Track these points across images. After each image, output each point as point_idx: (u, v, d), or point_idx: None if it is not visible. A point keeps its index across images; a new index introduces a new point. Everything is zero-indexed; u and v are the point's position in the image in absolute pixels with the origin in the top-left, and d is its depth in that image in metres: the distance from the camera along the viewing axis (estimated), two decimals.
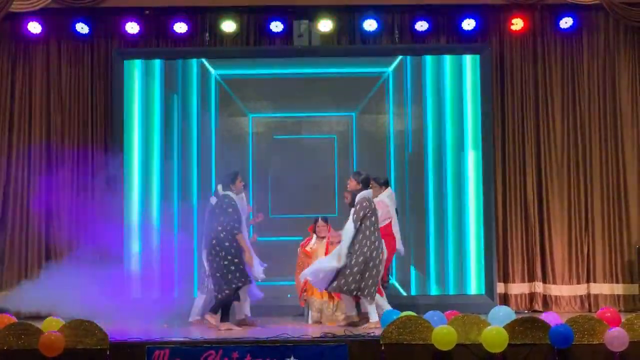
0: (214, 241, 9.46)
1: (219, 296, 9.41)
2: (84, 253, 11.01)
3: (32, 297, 10.17)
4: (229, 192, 9.62)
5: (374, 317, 9.42)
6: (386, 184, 10.46)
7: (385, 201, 10.19)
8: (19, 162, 11.82)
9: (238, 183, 9.73)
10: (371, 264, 9.42)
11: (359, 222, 9.47)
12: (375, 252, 9.47)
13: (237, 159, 11.52)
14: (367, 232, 9.48)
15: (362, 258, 9.40)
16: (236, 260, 9.42)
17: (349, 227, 9.49)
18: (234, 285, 9.40)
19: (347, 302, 9.81)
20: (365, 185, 9.71)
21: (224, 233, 9.42)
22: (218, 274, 9.42)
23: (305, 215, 10.98)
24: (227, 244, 9.41)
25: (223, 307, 9.47)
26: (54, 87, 11.97)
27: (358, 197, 9.59)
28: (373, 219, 9.56)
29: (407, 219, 11.59)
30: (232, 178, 9.72)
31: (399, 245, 10.29)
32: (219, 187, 9.75)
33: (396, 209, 10.42)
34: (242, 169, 10.66)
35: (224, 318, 9.45)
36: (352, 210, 9.58)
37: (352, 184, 9.78)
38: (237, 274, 9.41)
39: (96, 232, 11.32)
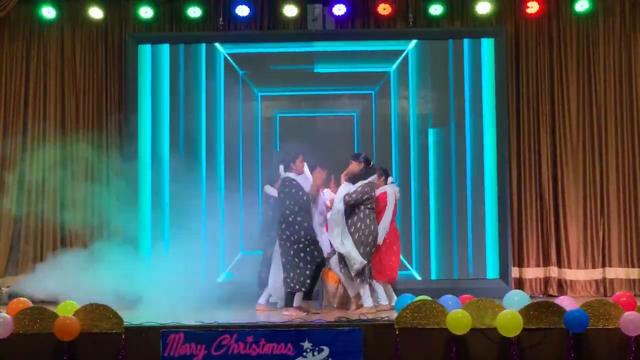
0: (283, 225, 9.33)
1: (296, 284, 9.26)
2: (100, 238, 11.12)
3: (47, 282, 10.21)
4: (288, 174, 9.44)
5: (368, 302, 9.40)
6: (385, 174, 10.20)
7: (387, 192, 10.01)
8: (34, 147, 11.84)
9: (299, 162, 9.49)
10: (368, 249, 9.38)
11: (352, 203, 9.34)
12: (370, 236, 9.41)
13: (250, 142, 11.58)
14: (362, 215, 9.41)
15: (359, 242, 9.38)
16: (308, 241, 9.30)
17: (339, 208, 9.36)
18: (310, 264, 9.27)
19: (348, 285, 9.75)
20: (367, 163, 9.56)
21: (293, 216, 9.30)
22: (295, 259, 9.27)
23: None
24: (297, 226, 9.28)
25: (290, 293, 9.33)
26: (68, 72, 12.00)
27: (361, 182, 9.47)
28: (370, 206, 9.47)
29: (418, 203, 11.67)
30: (292, 157, 9.49)
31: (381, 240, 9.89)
32: (280, 168, 9.55)
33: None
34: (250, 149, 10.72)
35: (288, 303, 9.33)
36: (347, 190, 9.45)
37: (353, 166, 9.56)
38: (312, 255, 9.31)
39: (111, 217, 11.38)
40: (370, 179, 9.54)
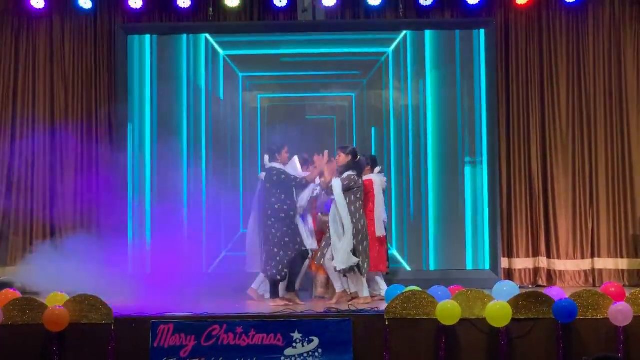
0: (269, 212, 9.35)
1: (275, 272, 9.28)
2: (89, 229, 11.10)
3: (37, 274, 10.19)
4: (274, 164, 9.48)
5: (365, 293, 9.39)
6: (373, 163, 10.20)
7: (373, 180, 9.98)
8: (22, 138, 11.79)
9: (284, 154, 9.54)
10: (360, 238, 9.35)
11: (342, 193, 9.35)
12: (363, 226, 9.41)
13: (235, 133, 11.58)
14: (352, 208, 9.40)
15: (359, 234, 9.37)
16: (291, 232, 9.33)
17: (341, 202, 9.36)
18: (290, 252, 9.30)
19: (333, 277, 9.76)
20: (354, 156, 9.58)
21: (278, 204, 9.32)
22: (275, 249, 9.30)
23: None
24: (282, 214, 9.31)
25: (275, 283, 9.36)
26: (58, 62, 11.94)
27: (347, 173, 9.48)
28: (359, 195, 9.46)
29: (412, 194, 11.65)
30: (278, 148, 9.55)
31: (381, 231, 9.89)
32: (266, 158, 9.61)
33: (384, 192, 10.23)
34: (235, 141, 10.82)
35: (274, 294, 9.35)
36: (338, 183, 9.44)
37: (341, 158, 9.57)
38: (293, 245, 9.34)
39: (101, 208, 11.37)
40: (356, 171, 9.55)
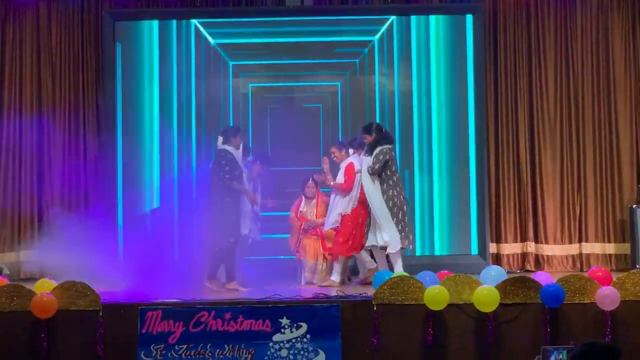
0: (214, 196, 9.38)
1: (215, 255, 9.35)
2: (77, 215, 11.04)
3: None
4: (226, 147, 9.51)
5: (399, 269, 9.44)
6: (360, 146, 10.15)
7: (355, 163, 9.97)
8: (9, 125, 11.71)
9: (238, 139, 9.59)
10: (401, 213, 9.48)
11: (379, 171, 9.44)
12: (404, 198, 9.56)
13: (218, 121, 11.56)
14: (391, 182, 9.50)
15: (396, 208, 9.45)
16: (233, 216, 9.35)
17: (368, 181, 9.47)
18: (231, 240, 9.34)
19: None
20: (379, 130, 9.67)
21: (224, 188, 9.33)
22: (217, 231, 9.30)
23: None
24: (227, 199, 9.33)
25: (214, 267, 9.42)
26: (45, 49, 11.85)
27: (378, 148, 9.52)
28: (393, 168, 9.57)
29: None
30: (234, 132, 9.61)
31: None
32: (220, 139, 9.64)
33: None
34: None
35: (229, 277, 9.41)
36: (368, 159, 9.54)
37: (368, 138, 9.65)
38: (232, 230, 9.36)
39: (89, 194, 11.34)
40: (385, 146, 9.57)
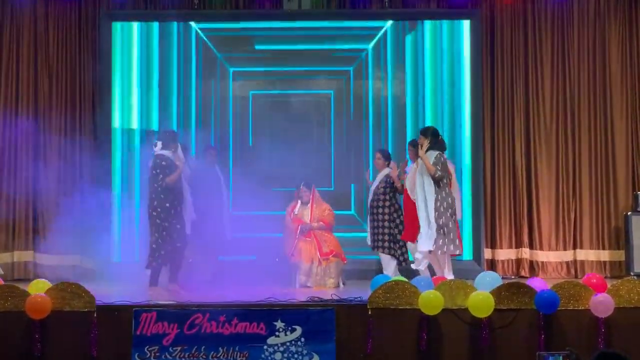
0: (155, 202, 9.22)
1: (158, 259, 9.21)
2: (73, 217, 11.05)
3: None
4: (163, 152, 9.34)
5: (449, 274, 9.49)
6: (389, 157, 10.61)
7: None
8: (6, 127, 11.65)
9: (177, 144, 9.47)
10: (453, 220, 9.52)
11: (441, 175, 9.45)
12: (455, 206, 9.60)
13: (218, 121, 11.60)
14: (447, 189, 9.54)
15: (454, 216, 9.52)
16: (175, 221, 9.23)
17: (429, 188, 9.49)
18: (178, 244, 9.24)
19: (336, 268, 9.85)
20: (435, 135, 9.69)
21: (163, 194, 9.18)
22: (158, 235, 9.19)
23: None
24: (167, 204, 9.19)
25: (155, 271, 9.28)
26: (41, 50, 11.82)
27: (434, 153, 9.53)
28: (445, 178, 9.61)
29: None
30: (172, 136, 9.49)
31: None
32: (158, 144, 9.43)
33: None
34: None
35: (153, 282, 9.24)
36: (425, 164, 9.53)
37: (424, 141, 9.65)
38: (178, 234, 9.25)
39: (84, 196, 11.31)
40: (437, 151, 9.60)
